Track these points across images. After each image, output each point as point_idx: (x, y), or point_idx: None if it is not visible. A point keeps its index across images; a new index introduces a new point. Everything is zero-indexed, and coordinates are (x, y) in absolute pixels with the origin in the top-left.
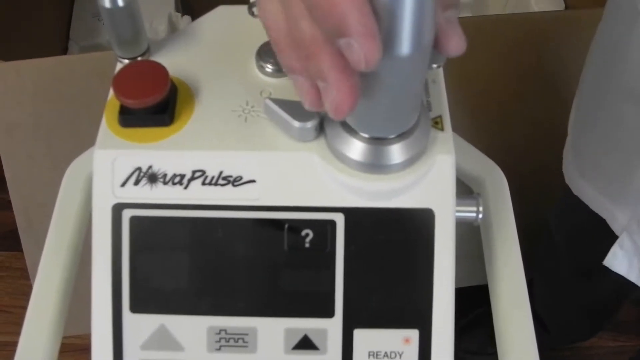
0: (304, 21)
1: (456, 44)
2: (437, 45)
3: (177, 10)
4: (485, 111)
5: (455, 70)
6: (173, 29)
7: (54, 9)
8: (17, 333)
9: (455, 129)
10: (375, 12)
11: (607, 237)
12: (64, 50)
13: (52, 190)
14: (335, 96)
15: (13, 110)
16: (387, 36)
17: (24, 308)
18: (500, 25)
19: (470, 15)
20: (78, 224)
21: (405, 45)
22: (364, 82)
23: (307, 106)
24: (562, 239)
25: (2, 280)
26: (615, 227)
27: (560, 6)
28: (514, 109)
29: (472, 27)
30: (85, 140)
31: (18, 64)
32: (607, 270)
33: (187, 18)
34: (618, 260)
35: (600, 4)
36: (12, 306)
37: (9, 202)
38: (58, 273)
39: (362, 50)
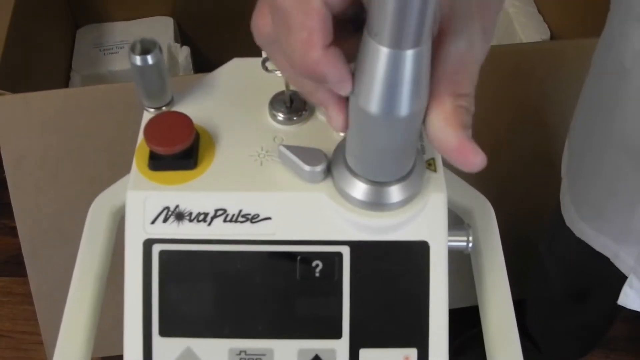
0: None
1: (481, 161)
2: (459, 162)
3: (176, 41)
4: (475, 140)
5: None
6: (172, 59)
7: (57, 40)
8: (18, 358)
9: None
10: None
11: (599, 263)
12: (66, 80)
13: (57, 218)
14: (334, 118)
15: (21, 142)
16: (390, 102)
17: (24, 333)
18: (489, 57)
19: None
20: (104, 255)
21: (404, 110)
22: (369, 137)
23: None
24: (554, 266)
25: (3, 305)
26: (620, 266)
27: (546, 33)
28: (504, 138)
29: None
30: (92, 171)
31: (26, 96)
32: (599, 292)
33: (185, 49)
34: (631, 299)
35: (584, 34)
36: (13, 331)
37: (11, 228)
38: (87, 302)
39: (342, 89)
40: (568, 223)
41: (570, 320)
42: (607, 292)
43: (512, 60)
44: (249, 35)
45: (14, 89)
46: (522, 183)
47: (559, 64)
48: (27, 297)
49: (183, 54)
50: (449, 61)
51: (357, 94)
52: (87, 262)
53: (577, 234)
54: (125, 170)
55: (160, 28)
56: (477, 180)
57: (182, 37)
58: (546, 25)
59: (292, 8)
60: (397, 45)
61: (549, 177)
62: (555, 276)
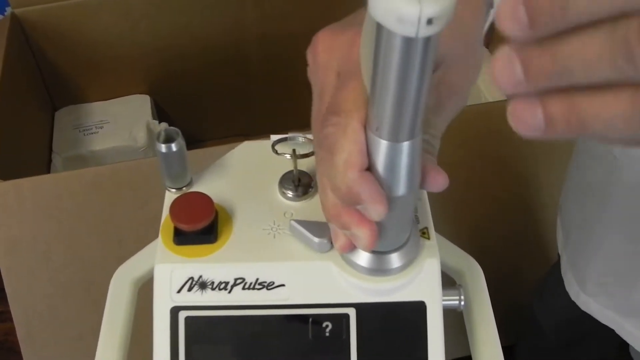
0: (329, 192)
1: (442, 182)
2: (424, 184)
3: (153, 117)
4: (448, 195)
5: None
6: (151, 135)
7: (36, 122)
8: None
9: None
10: (382, 178)
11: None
12: (48, 163)
13: (51, 300)
14: (361, 240)
15: (13, 227)
16: (391, 187)
17: None
18: (460, 117)
19: None
20: (127, 323)
21: (402, 190)
22: None
23: (338, 250)
24: (548, 321)
25: None
26: (626, 337)
27: None
28: (477, 191)
29: None
30: (84, 252)
31: (17, 182)
32: (592, 339)
33: (164, 124)
34: None
35: None
36: None
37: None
38: None
39: (375, 211)
40: (573, 297)
41: None
42: (602, 339)
43: (481, 119)
44: (221, 111)
45: (4, 177)
46: (495, 229)
47: None
48: None
49: (161, 129)
50: None
51: None
52: (111, 331)
53: (583, 307)
54: (117, 250)
55: (138, 106)
56: (451, 224)
57: (159, 113)
58: None
59: (333, 134)
60: (394, 138)
61: (522, 220)
62: (549, 328)
